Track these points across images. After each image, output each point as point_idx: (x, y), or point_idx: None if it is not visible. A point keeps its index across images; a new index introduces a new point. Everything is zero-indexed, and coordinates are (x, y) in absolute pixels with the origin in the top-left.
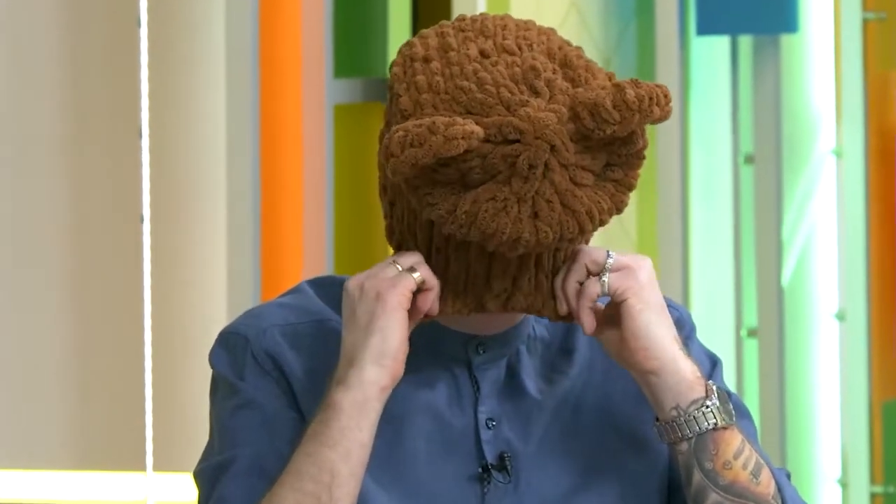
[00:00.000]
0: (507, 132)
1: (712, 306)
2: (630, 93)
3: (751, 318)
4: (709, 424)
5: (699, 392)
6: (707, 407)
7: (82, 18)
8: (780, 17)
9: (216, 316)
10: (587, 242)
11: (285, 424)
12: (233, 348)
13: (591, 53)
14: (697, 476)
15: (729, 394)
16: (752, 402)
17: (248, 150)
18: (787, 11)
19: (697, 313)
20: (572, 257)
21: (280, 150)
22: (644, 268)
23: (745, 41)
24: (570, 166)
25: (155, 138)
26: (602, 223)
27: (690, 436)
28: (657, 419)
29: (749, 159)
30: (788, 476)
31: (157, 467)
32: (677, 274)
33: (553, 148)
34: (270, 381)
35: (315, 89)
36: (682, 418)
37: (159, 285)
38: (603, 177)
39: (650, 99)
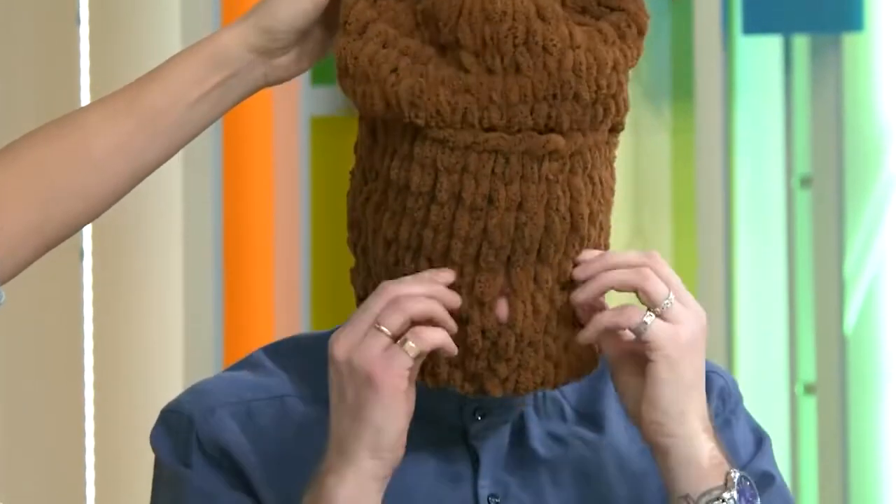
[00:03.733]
0: None
1: (762, 358)
2: None
3: (808, 372)
4: None
5: (715, 481)
6: (723, 501)
7: (11, 13)
8: (842, 13)
9: (170, 368)
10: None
11: None
12: (175, 431)
13: None
14: None
15: (771, 479)
16: (809, 472)
17: (207, 170)
18: (849, 7)
19: (744, 366)
20: (631, 269)
21: (246, 170)
22: (691, 327)
23: (801, 41)
24: None
25: None
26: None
27: None
28: None
29: (805, 182)
30: None
31: None
32: (720, 318)
33: None
34: (220, 472)
35: (288, 98)
36: None
37: (102, 332)
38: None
39: None
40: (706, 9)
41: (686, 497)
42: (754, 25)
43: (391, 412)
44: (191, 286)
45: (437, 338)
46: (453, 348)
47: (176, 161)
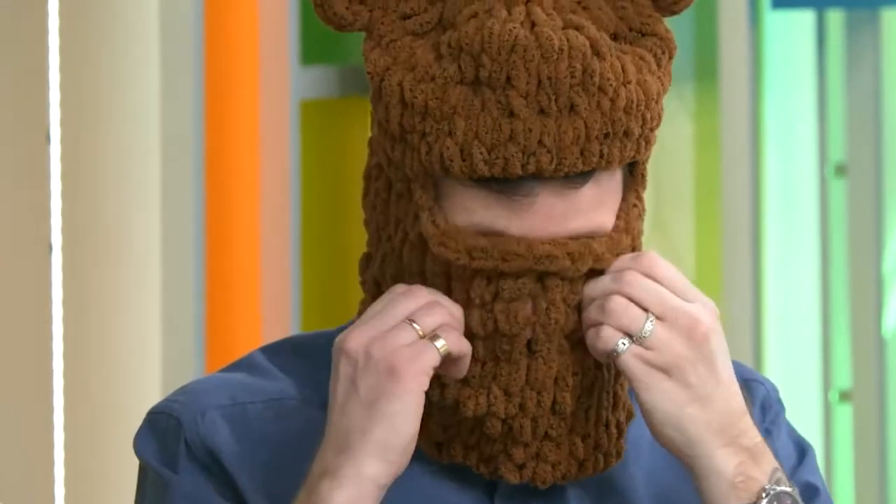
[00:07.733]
0: None
1: (793, 363)
2: None
3: (843, 378)
4: None
5: (743, 498)
6: None
7: None
8: None
9: (147, 372)
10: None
11: None
12: (163, 433)
13: None
14: None
15: (816, 492)
16: (844, 484)
17: (189, 158)
18: None
19: (774, 372)
20: (595, 304)
21: (231, 158)
22: (674, 350)
23: (835, 17)
24: None
25: (67, 143)
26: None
27: None
28: None
29: (840, 170)
30: None
31: None
32: (747, 320)
33: None
34: (209, 478)
35: (276, 80)
36: None
37: (73, 333)
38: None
39: None
40: None
41: None
42: None
43: (409, 408)
44: (170, 281)
45: (466, 345)
46: (467, 366)
47: (154, 147)
